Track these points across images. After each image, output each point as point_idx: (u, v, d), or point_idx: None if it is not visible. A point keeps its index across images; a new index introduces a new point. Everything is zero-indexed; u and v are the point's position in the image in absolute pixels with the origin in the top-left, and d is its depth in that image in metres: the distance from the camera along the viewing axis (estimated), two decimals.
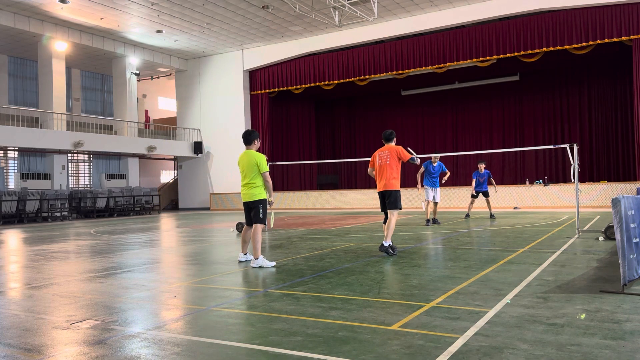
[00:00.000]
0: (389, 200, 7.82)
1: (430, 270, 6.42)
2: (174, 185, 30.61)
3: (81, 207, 21.95)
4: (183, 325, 4.21)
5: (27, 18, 20.42)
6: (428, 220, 12.86)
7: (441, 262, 7.11)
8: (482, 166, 14.44)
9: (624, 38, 18.06)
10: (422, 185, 13.10)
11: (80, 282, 6.22)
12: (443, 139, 26.02)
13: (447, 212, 18.01)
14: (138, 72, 25.63)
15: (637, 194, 16.73)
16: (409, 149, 8.58)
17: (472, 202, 14.83)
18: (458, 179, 24.43)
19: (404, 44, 22.00)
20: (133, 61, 25.08)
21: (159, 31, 22.53)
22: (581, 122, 23.13)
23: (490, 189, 15.05)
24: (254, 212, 7.12)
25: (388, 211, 7.85)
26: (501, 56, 20.12)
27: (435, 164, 13.03)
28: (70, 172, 24.55)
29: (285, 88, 24.95)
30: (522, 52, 19.67)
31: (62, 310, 4.78)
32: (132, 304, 5.01)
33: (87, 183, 25.62)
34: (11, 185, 22.50)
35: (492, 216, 14.63)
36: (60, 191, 21.21)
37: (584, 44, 18.63)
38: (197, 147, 26.66)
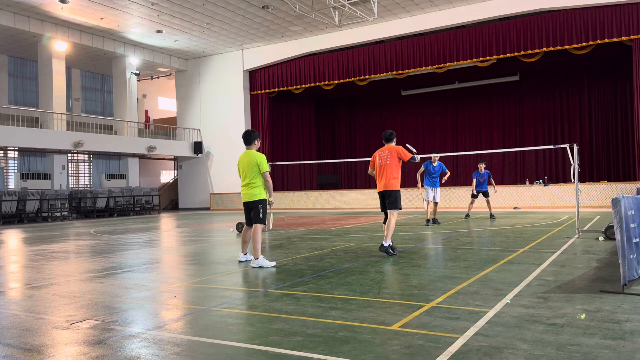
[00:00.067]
0: (389, 200, 7.82)
1: (430, 270, 6.42)
2: (174, 185, 30.61)
3: (81, 207, 21.95)
4: (183, 325, 4.21)
5: (27, 18, 20.42)
6: (428, 220, 12.86)
7: (441, 262, 7.11)
8: (482, 166, 14.44)
9: (624, 38, 18.07)
10: (422, 185, 13.10)
11: (80, 282, 6.22)
12: (443, 139, 26.01)
13: (447, 212, 18.01)
14: (138, 72, 25.62)
15: (637, 194, 16.72)
16: (408, 145, 8.58)
17: (472, 202, 14.84)
18: (458, 179, 24.43)
19: (404, 44, 22.00)
20: (133, 61, 25.08)
21: (159, 31, 22.53)
22: (581, 122, 23.12)
23: (490, 189, 15.06)
24: (254, 212, 7.12)
25: (388, 211, 7.85)
26: (501, 56, 20.12)
27: (435, 164, 13.03)
28: (70, 172, 24.55)
29: (285, 88, 24.94)
30: (522, 52, 19.67)
31: (62, 310, 4.78)
32: (132, 304, 5.01)
33: (87, 183, 25.62)
34: (11, 185, 22.50)
35: (492, 216, 14.63)
36: (60, 191, 21.21)
37: (584, 44, 18.64)
38: (197, 147, 26.65)
